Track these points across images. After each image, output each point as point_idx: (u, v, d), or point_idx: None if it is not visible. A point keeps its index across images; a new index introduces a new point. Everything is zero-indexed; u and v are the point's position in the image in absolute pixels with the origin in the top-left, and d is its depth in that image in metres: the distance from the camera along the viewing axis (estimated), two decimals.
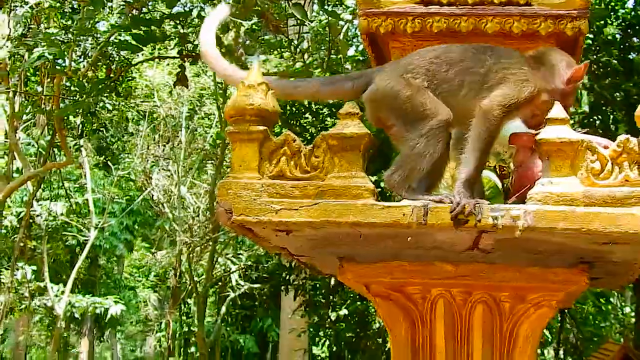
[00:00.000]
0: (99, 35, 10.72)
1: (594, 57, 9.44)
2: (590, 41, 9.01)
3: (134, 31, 8.63)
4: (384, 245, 2.96)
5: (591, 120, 9.85)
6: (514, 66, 2.98)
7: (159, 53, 11.79)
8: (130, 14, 9.79)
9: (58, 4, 10.93)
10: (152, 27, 8.63)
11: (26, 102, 12.75)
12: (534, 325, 3.19)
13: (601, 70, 9.57)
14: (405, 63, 3.03)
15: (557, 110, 2.73)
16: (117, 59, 10.68)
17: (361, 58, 10.79)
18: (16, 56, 12.16)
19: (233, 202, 2.75)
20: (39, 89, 12.44)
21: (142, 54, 11.49)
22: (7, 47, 11.40)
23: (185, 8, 11.25)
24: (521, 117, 3.01)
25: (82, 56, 11.81)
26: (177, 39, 9.37)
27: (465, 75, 2.96)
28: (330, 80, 3.45)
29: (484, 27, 3.47)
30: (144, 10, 10.29)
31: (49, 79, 11.72)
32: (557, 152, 2.69)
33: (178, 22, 9.42)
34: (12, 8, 11.90)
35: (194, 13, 9.51)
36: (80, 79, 10.43)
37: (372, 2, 3.55)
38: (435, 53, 3.04)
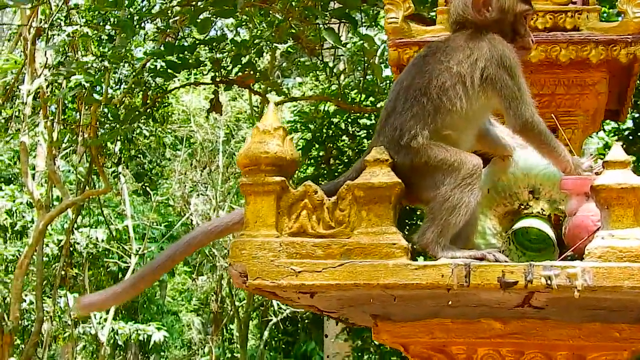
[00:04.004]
0: (135, 62, 10.63)
1: None
2: None
3: (168, 58, 8.50)
4: (422, 305, 2.64)
5: (637, 135, 9.41)
6: (484, 56, 2.66)
7: (195, 78, 11.63)
8: (163, 41, 9.67)
9: (95, 32, 10.86)
10: (186, 54, 8.48)
11: (64, 130, 12.67)
12: None
13: None
14: (391, 131, 2.66)
15: (616, 152, 2.38)
16: (152, 85, 10.55)
17: None
18: (54, 84, 12.14)
19: (248, 264, 2.44)
20: (78, 116, 12.37)
21: (178, 80, 11.34)
22: (46, 75, 11.39)
23: (218, 33, 11.12)
24: None
25: (119, 83, 11.74)
26: (210, 64, 9.19)
27: (446, 91, 2.62)
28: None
29: (527, 56, 3.11)
30: (179, 36, 10.20)
31: (86, 107, 11.63)
32: (618, 199, 2.35)
33: (211, 47, 9.24)
34: (49, 37, 11.90)
35: (228, 37, 9.36)
36: (117, 106, 10.33)
37: (403, 32, 3.25)
38: (401, 96, 2.68)
